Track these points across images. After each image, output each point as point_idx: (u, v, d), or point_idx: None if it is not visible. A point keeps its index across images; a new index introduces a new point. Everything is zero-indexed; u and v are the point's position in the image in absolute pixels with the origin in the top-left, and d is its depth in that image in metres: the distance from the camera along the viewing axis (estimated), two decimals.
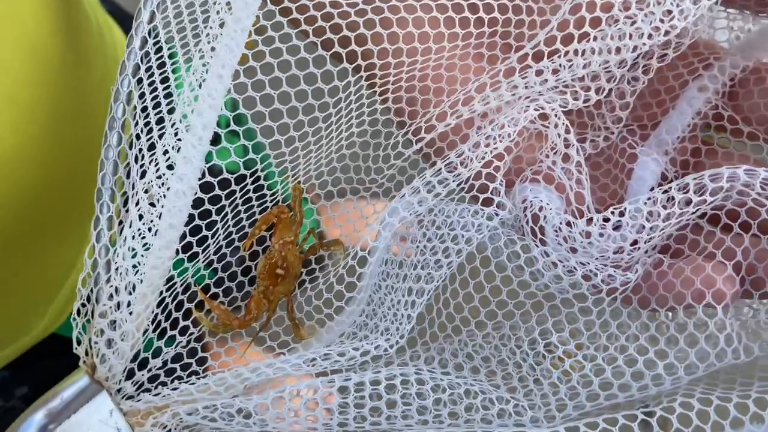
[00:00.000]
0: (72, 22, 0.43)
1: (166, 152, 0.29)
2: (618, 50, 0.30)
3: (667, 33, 0.29)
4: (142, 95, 0.30)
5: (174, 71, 0.31)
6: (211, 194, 0.31)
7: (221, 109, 0.30)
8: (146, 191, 0.29)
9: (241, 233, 0.34)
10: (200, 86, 0.29)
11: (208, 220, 0.32)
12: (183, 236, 0.30)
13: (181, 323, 0.31)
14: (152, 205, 0.29)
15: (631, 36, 0.29)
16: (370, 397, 0.29)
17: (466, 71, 0.32)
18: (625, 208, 0.29)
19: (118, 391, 0.29)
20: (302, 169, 0.34)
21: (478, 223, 0.30)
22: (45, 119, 0.40)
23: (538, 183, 0.32)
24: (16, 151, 0.38)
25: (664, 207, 0.28)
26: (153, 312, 0.30)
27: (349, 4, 0.30)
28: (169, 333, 0.31)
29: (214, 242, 0.33)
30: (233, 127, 0.31)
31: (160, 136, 0.29)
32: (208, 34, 0.30)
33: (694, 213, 0.28)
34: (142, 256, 0.29)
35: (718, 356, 0.27)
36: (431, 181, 0.31)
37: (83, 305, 0.29)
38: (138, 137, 0.30)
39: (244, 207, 0.34)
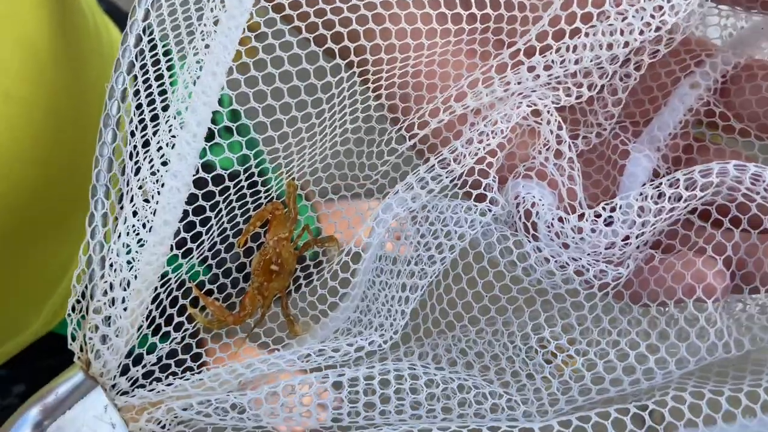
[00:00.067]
0: (69, 21, 0.43)
1: (160, 149, 0.29)
2: (609, 46, 0.30)
3: (658, 29, 0.29)
4: (136, 92, 0.30)
5: (168, 68, 0.31)
6: (205, 190, 0.31)
7: (216, 105, 0.30)
8: (141, 188, 0.29)
9: (236, 230, 0.34)
10: (194, 83, 0.29)
11: (202, 217, 0.32)
12: (177, 233, 0.30)
13: (176, 319, 0.32)
14: (146, 201, 0.29)
15: (622, 32, 0.29)
16: (364, 392, 0.29)
17: (459, 67, 0.32)
18: (616, 204, 0.29)
19: (113, 386, 0.29)
20: (296, 165, 0.34)
21: (471, 219, 0.30)
22: (42, 118, 0.40)
23: (531, 179, 0.32)
24: (13, 149, 0.38)
25: (655, 202, 0.28)
26: (148, 308, 0.30)
27: (341, 0, 0.31)
28: (164, 329, 0.31)
29: (208, 239, 0.33)
30: (227, 123, 0.31)
31: (155, 133, 0.30)
32: (202, 32, 0.30)
33: (684, 208, 0.28)
34: (136, 252, 0.29)
35: (709, 350, 0.27)
36: (424, 177, 0.31)
37: (78, 302, 0.29)
38: (132, 134, 0.30)
39: (239, 204, 0.34)
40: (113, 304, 0.28)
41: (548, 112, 0.31)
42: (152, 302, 0.30)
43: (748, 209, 0.28)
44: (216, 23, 0.30)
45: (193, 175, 0.30)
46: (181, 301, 0.32)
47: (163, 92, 0.31)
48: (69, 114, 0.43)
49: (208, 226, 0.33)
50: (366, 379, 0.29)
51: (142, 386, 0.29)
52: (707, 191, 0.28)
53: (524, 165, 0.32)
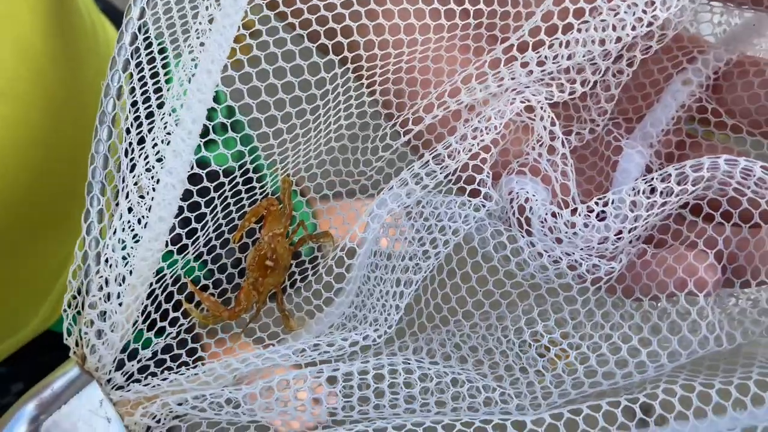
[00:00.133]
0: (66, 20, 0.44)
1: (155, 146, 0.30)
2: (602, 42, 0.30)
3: (650, 24, 0.29)
4: (132, 90, 0.31)
5: (164, 66, 0.31)
6: (200, 186, 0.31)
7: (211, 102, 0.30)
8: (136, 184, 0.29)
9: (231, 226, 0.34)
10: (190, 81, 0.30)
11: (197, 213, 0.32)
12: (172, 229, 0.30)
13: (171, 315, 0.32)
14: (142, 197, 0.29)
15: (614, 27, 0.30)
16: (359, 386, 0.29)
17: (453, 63, 0.32)
18: (608, 199, 0.30)
19: (108, 381, 0.29)
20: (291, 161, 0.35)
21: (465, 215, 0.31)
22: (39, 117, 0.40)
23: (525, 175, 0.32)
24: (9, 148, 0.38)
25: (647, 197, 0.29)
26: (143, 304, 0.30)
27: None
28: (159, 324, 0.31)
29: (203, 235, 0.33)
30: (222, 119, 0.31)
31: (150, 130, 0.30)
32: (197, 30, 0.30)
33: (676, 203, 0.29)
34: (131, 248, 0.29)
35: (700, 343, 0.28)
36: (419, 173, 0.32)
37: (74, 297, 0.29)
38: (128, 131, 0.30)
39: (234, 200, 0.34)
40: (108, 300, 0.29)
41: (541, 108, 0.31)
42: (147, 298, 0.30)
43: (738, 203, 0.28)
44: (211, 21, 0.30)
45: (188, 172, 0.30)
46: (176, 297, 0.32)
47: (158, 90, 0.31)
48: (66, 113, 0.43)
49: (204, 222, 0.33)
50: (360, 374, 0.29)
51: (138, 381, 0.30)
52: (698, 186, 0.28)
53: (518, 161, 0.32)
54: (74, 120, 0.43)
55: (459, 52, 0.32)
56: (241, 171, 0.34)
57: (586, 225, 0.30)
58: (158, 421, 0.29)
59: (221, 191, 0.33)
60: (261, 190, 0.35)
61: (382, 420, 0.29)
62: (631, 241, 0.30)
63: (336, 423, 0.29)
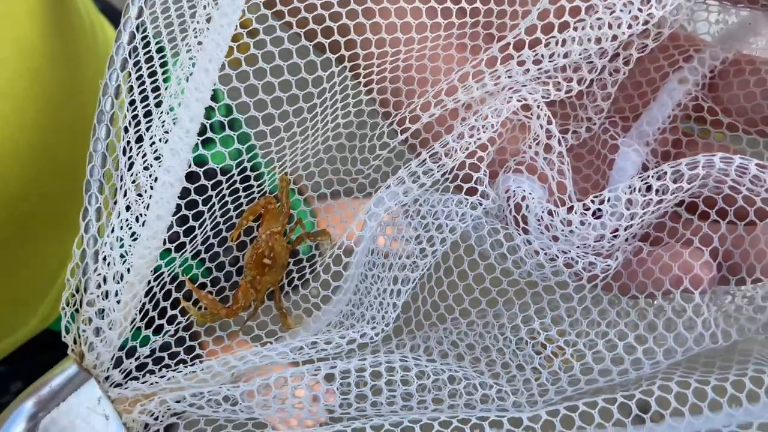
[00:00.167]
0: (65, 20, 0.44)
1: (153, 144, 0.30)
2: (598, 40, 0.30)
3: (645, 22, 0.29)
4: (130, 89, 0.31)
5: (162, 65, 0.31)
6: (197, 185, 0.31)
7: (209, 101, 0.30)
8: (134, 182, 0.29)
9: (229, 224, 0.34)
10: (187, 80, 0.30)
11: (195, 211, 0.32)
12: (170, 227, 0.30)
13: (169, 313, 0.32)
14: (140, 196, 0.29)
15: (610, 25, 0.30)
16: (356, 384, 0.29)
17: (450, 61, 0.32)
18: (604, 197, 0.30)
19: (106, 378, 0.29)
20: (289, 160, 0.35)
21: (462, 213, 0.31)
22: (38, 117, 0.40)
23: (521, 173, 0.32)
24: (7, 147, 0.39)
25: (643, 195, 0.29)
26: (141, 301, 0.30)
27: None
28: (157, 322, 0.31)
29: (201, 233, 0.33)
30: (219, 118, 0.31)
31: (148, 129, 0.30)
32: (195, 29, 0.30)
33: (672, 200, 0.29)
34: (129, 246, 0.29)
35: (696, 340, 0.28)
36: (416, 171, 0.32)
37: (72, 295, 0.29)
38: (126, 130, 0.30)
39: (232, 198, 0.34)
40: (106, 297, 0.29)
41: (538, 106, 0.32)
42: (145, 296, 0.30)
43: (734, 201, 0.28)
44: (209, 20, 0.30)
45: (186, 170, 0.30)
46: (174, 295, 0.32)
47: (156, 89, 0.31)
48: (65, 112, 0.43)
49: (201, 220, 0.33)
50: (358, 371, 0.30)
51: (136, 378, 0.30)
52: (694, 183, 0.28)
53: (515, 159, 0.32)
54: (73, 119, 0.44)
55: (456, 50, 0.33)
56: (238, 169, 0.34)
57: (582, 223, 0.30)
58: (156, 419, 0.29)
59: (219, 189, 0.33)
60: (259, 189, 0.35)
61: (379, 417, 0.29)
62: (627, 239, 0.30)
63: (333, 420, 0.30)
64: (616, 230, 0.29)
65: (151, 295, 0.31)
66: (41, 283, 0.50)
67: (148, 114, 0.30)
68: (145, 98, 0.31)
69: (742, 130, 0.31)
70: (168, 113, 0.30)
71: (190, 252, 0.33)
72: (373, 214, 0.31)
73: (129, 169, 0.30)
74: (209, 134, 0.31)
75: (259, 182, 0.35)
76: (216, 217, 0.34)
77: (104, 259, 0.29)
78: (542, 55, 0.31)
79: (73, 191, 0.41)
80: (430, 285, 0.32)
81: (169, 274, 0.32)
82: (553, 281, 0.30)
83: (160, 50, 0.32)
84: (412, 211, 0.32)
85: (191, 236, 0.33)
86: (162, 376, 0.29)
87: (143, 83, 0.31)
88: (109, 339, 0.29)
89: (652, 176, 0.29)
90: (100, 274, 0.29)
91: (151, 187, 0.29)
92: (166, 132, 0.30)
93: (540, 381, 0.29)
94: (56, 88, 0.42)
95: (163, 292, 0.32)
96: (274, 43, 0.31)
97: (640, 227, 0.30)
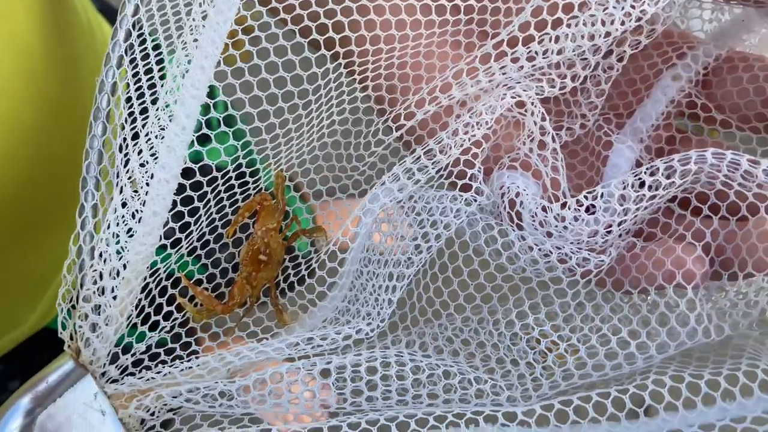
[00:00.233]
0: (63, 19, 0.44)
1: (149, 141, 0.30)
2: (591, 36, 0.30)
3: (638, 18, 0.30)
4: (126, 86, 0.31)
5: (158, 63, 0.32)
6: (193, 181, 0.31)
7: (204, 98, 0.30)
8: (130, 179, 0.29)
9: (225, 220, 0.35)
10: (183, 77, 0.30)
11: (191, 208, 0.32)
12: (166, 223, 0.30)
13: (165, 309, 0.32)
14: (136, 192, 0.29)
15: (603, 22, 0.30)
16: (352, 379, 0.30)
17: (444, 58, 0.32)
18: (597, 193, 0.30)
19: (103, 374, 0.29)
20: (284, 156, 0.35)
21: (457, 209, 0.31)
22: (35, 115, 0.41)
23: (516, 170, 0.32)
24: (4, 146, 0.39)
25: (636, 191, 0.29)
26: (137, 298, 0.30)
27: None
28: (153, 318, 0.32)
29: (197, 230, 0.33)
30: (215, 114, 0.31)
31: (144, 126, 0.30)
32: (191, 27, 0.30)
33: (664, 196, 0.29)
34: (125, 242, 0.29)
35: (689, 335, 0.28)
36: (411, 168, 0.32)
37: (68, 291, 0.29)
38: (122, 127, 0.30)
39: (227, 195, 0.34)
40: (103, 293, 0.29)
41: (532, 103, 0.32)
42: (141, 292, 0.30)
43: (726, 196, 0.28)
44: (204, 18, 0.30)
45: (182, 167, 0.30)
46: (170, 291, 0.32)
47: (152, 86, 0.31)
48: (63, 111, 0.43)
49: (197, 217, 0.33)
50: (353, 367, 0.30)
51: (132, 374, 0.30)
52: (686, 179, 0.28)
53: (509, 156, 0.32)
54: (71, 118, 0.44)
55: (450, 47, 0.33)
56: (234, 166, 0.34)
57: (576, 219, 0.30)
58: (152, 414, 0.29)
59: (215, 186, 0.33)
60: (254, 185, 0.35)
61: (374, 412, 0.29)
62: (620, 235, 0.30)
63: (329, 415, 0.30)
64: (610, 226, 0.29)
65: (147, 291, 0.31)
66: (39, 282, 0.50)
67: (144, 111, 0.30)
68: (141, 95, 0.31)
69: (735, 126, 0.32)
70: (164, 110, 0.30)
71: (186, 248, 0.33)
72: (368, 211, 0.31)
73: (125, 166, 0.30)
74: (205, 131, 0.31)
75: (254, 179, 0.35)
76: (212, 213, 0.34)
77: (100, 255, 0.29)
78: (536, 52, 0.31)
79: (71, 190, 0.41)
80: (425, 281, 0.33)
81: (165, 271, 0.32)
82: (548, 277, 0.30)
83: (156, 47, 0.32)
84: (407, 208, 0.32)
85: (187, 233, 0.33)
86: (158, 372, 0.30)
87: (139, 80, 0.31)
88: (105, 335, 0.29)
89: (645, 172, 0.29)
90: (96, 270, 0.29)
91: (147, 184, 0.29)
92: (162, 129, 0.30)
93: (534, 376, 0.30)
94: (53, 88, 0.42)
95: (159, 288, 0.32)
96: (270, 40, 0.31)
97: (633, 223, 0.30)
